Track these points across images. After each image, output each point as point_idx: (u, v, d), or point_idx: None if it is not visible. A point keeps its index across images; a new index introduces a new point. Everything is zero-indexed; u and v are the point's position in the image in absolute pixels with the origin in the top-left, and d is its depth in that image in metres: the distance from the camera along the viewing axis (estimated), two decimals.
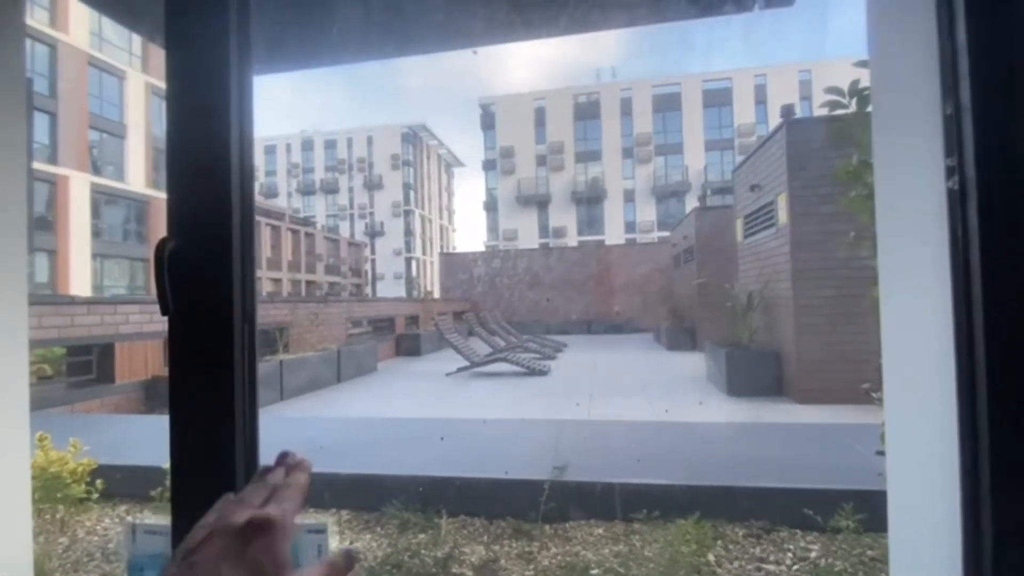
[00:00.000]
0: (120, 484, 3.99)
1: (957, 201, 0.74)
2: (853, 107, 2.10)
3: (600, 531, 3.44)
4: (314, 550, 0.84)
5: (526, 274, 24.89)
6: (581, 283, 24.13)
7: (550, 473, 3.68)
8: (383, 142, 57.16)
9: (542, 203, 45.04)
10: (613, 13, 1.13)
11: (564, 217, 44.54)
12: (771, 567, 2.96)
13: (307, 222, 42.84)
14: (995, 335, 0.70)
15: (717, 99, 42.46)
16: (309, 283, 36.11)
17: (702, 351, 11.16)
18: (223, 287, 0.85)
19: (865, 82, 2.05)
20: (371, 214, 57.58)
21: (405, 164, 57.45)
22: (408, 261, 57.14)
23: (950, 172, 0.75)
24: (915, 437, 0.87)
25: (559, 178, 44.85)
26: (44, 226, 24.56)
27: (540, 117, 45.64)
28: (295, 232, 35.61)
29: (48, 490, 3.30)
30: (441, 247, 62.79)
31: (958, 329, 0.74)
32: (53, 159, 25.14)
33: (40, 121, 24.59)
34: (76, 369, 7.61)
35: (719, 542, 3.18)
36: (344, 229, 55.29)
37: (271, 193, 57.69)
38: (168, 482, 0.89)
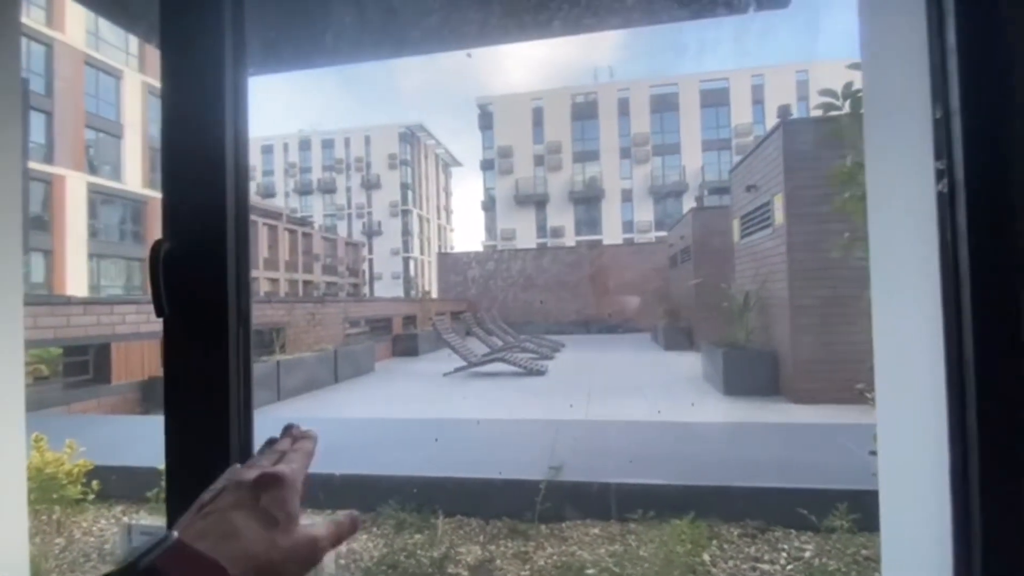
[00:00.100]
0: (116, 485, 3.98)
1: (947, 204, 0.74)
2: (847, 109, 2.11)
3: (596, 531, 3.45)
4: None
5: (523, 274, 24.90)
6: (579, 283, 24.15)
7: (546, 473, 3.68)
8: (381, 142, 57.07)
9: (540, 203, 45.03)
10: (606, 16, 1.13)
11: (562, 217, 44.55)
12: (766, 566, 2.97)
13: (304, 222, 42.74)
14: (984, 336, 0.70)
15: (714, 99, 42.51)
16: (306, 283, 36.03)
17: (699, 351, 11.18)
18: (218, 288, 0.85)
19: (858, 84, 2.06)
20: (369, 214, 57.48)
21: (403, 164, 57.37)
22: (406, 261, 57.07)
23: (940, 175, 0.75)
24: (906, 437, 0.88)
25: (557, 178, 44.85)
26: (40, 226, 24.48)
27: (538, 117, 45.63)
28: (292, 232, 35.53)
29: (44, 491, 3.29)
30: (439, 247, 62.72)
31: (947, 330, 0.75)
32: (49, 159, 25.06)
33: (36, 120, 24.51)
34: (73, 369, 7.59)
35: (714, 542, 3.19)
36: (342, 229, 55.19)
37: (268, 193, 57.56)
38: (163, 483, 0.89)
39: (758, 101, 41.32)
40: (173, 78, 0.88)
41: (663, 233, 29.07)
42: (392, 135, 56.97)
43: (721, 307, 10.38)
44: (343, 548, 3.17)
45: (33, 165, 23.61)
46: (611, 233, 42.43)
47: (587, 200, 44.47)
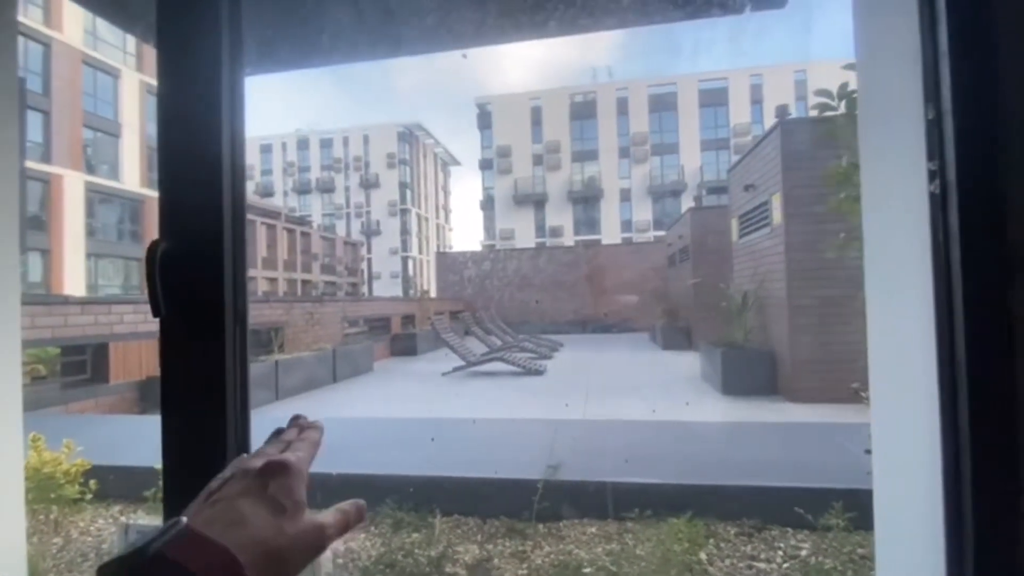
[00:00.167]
0: (114, 485, 3.98)
1: (939, 204, 0.75)
2: (842, 109, 2.11)
3: (593, 530, 3.45)
4: None
5: (522, 274, 24.91)
6: (577, 283, 24.16)
7: (544, 472, 3.69)
8: (379, 141, 57.04)
9: (539, 202, 45.06)
10: (601, 16, 1.14)
11: (561, 216, 44.58)
12: (762, 565, 2.98)
13: (303, 221, 42.69)
14: (975, 336, 0.71)
15: (713, 99, 42.56)
16: (305, 282, 36.02)
17: (697, 351, 11.20)
18: (215, 288, 0.85)
19: (854, 85, 2.06)
20: (367, 213, 57.45)
21: (401, 163, 57.34)
22: (404, 260, 57.06)
23: (932, 175, 0.76)
24: (900, 435, 0.89)
25: (555, 177, 44.88)
26: (37, 225, 24.43)
27: (537, 117, 45.65)
28: (291, 231, 35.51)
29: (42, 491, 3.29)
30: (438, 246, 62.72)
31: (940, 330, 0.76)
32: (47, 158, 25.00)
33: (34, 120, 24.46)
34: (70, 369, 7.58)
35: (711, 540, 3.20)
36: (340, 228, 55.17)
37: (267, 192, 57.52)
38: (161, 483, 0.89)
39: (756, 101, 41.38)
40: (169, 77, 0.89)
41: (661, 233, 29.09)
42: (390, 134, 56.94)
43: (719, 307, 10.40)
44: (341, 547, 3.18)
45: (30, 164, 23.57)
46: (610, 233, 42.47)
47: (586, 200, 44.51)
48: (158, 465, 0.88)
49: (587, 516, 3.57)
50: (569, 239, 42.17)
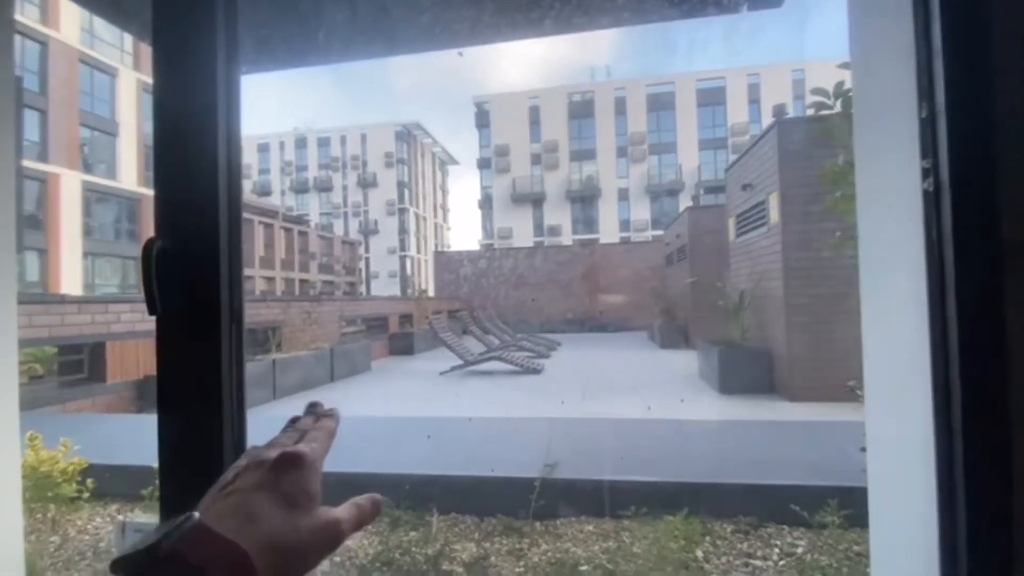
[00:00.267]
0: (111, 483, 3.97)
1: (932, 202, 0.75)
2: (838, 108, 2.12)
3: (590, 528, 3.46)
4: None
5: (520, 273, 24.91)
6: (575, 282, 24.17)
7: (541, 470, 3.69)
8: (377, 140, 56.97)
9: (537, 201, 45.07)
10: (597, 15, 1.14)
11: (559, 215, 44.60)
12: (758, 562, 2.99)
13: (301, 220, 42.62)
14: (968, 333, 0.71)
15: (711, 98, 42.60)
16: (303, 282, 35.98)
17: (695, 349, 11.22)
18: (211, 287, 0.86)
19: (850, 83, 2.07)
20: (365, 212, 57.40)
21: (399, 162, 57.29)
22: (402, 259, 57.02)
23: (925, 174, 0.76)
24: (894, 433, 0.89)
25: (554, 177, 44.89)
26: (34, 224, 24.36)
27: (535, 116, 45.65)
28: (288, 230, 35.47)
29: (39, 489, 3.28)
30: (436, 245, 62.69)
31: (933, 328, 0.76)
32: (43, 157, 24.94)
33: (30, 119, 24.39)
34: (67, 368, 7.56)
35: (707, 538, 3.21)
36: (338, 227, 55.09)
37: (264, 191, 57.41)
38: (158, 481, 0.89)
39: (754, 100, 41.42)
40: (166, 75, 0.89)
41: (659, 232, 29.12)
42: (388, 133, 56.89)
43: (717, 305, 10.42)
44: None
45: (27, 163, 23.49)
46: (608, 232, 42.51)
47: (584, 199, 44.53)
48: (155, 464, 0.88)
49: (584, 514, 3.58)
50: (567, 238, 42.20)
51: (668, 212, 38.62)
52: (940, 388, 0.75)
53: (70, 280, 25.29)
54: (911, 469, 0.81)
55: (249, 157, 55.51)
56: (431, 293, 28.99)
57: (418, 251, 58.96)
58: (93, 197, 27.68)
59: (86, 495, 3.49)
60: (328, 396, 9.54)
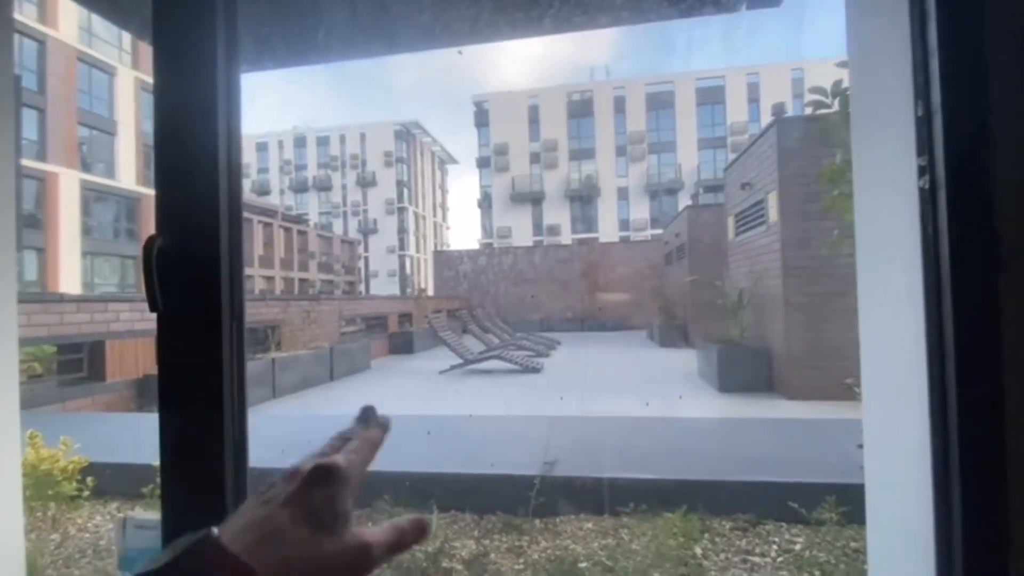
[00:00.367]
0: (111, 481, 3.97)
1: (928, 200, 0.76)
2: (836, 107, 2.12)
3: (589, 525, 3.47)
4: None
5: (519, 272, 24.91)
6: (574, 281, 24.18)
7: (541, 468, 3.70)
8: (376, 139, 56.91)
9: (536, 200, 45.07)
10: (595, 14, 1.14)
11: (558, 215, 44.61)
12: (756, 559, 2.99)
13: (300, 219, 42.58)
14: (963, 330, 0.72)
15: (710, 97, 42.61)
16: (302, 281, 35.98)
17: (694, 348, 11.23)
18: (211, 284, 0.86)
19: (847, 82, 2.07)
20: (364, 211, 57.35)
21: (398, 161, 57.24)
22: (402, 258, 56.99)
23: (921, 171, 0.77)
24: (890, 430, 0.90)
25: (553, 176, 44.89)
26: (33, 224, 24.34)
27: (534, 115, 45.64)
28: (288, 230, 35.46)
29: (39, 487, 3.28)
30: (435, 244, 62.66)
31: (929, 325, 0.76)
32: (42, 156, 24.91)
33: (29, 117, 24.35)
34: (67, 367, 7.56)
35: (706, 535, 3.22)
36: (337, 226, 55.04)
37: (263, 190, 57.34)
38: (158, 479, 0.90)
39: (754, 99, 41.43)
40: (165, 74, 0.89)
41: (659, 231, 29.14)
42: (388, 132, 56.82)
43: (716, 304, 10.43)
44: None
45: (26, 162, 23.46)
46: (607, 231, 42.52)
47: (583, 198, 44.54)
48: (154, 462, 0.88)
49: (583, 511, 3.59)
50: (566, 237, 42.21)
51: (667, 211, 38.63)
52: (936, 385, 0.75)
53: (69, 279, 25.27)
54: (908, 466, 0.82)
55: (248, 156, 55.43)
56: (430, 292, 28.99)
57: (417, 250, 58.93)
58: (92, 196, 27.66)
59: (86, 493, 3.49)
60: (327, 395, 9.54)
